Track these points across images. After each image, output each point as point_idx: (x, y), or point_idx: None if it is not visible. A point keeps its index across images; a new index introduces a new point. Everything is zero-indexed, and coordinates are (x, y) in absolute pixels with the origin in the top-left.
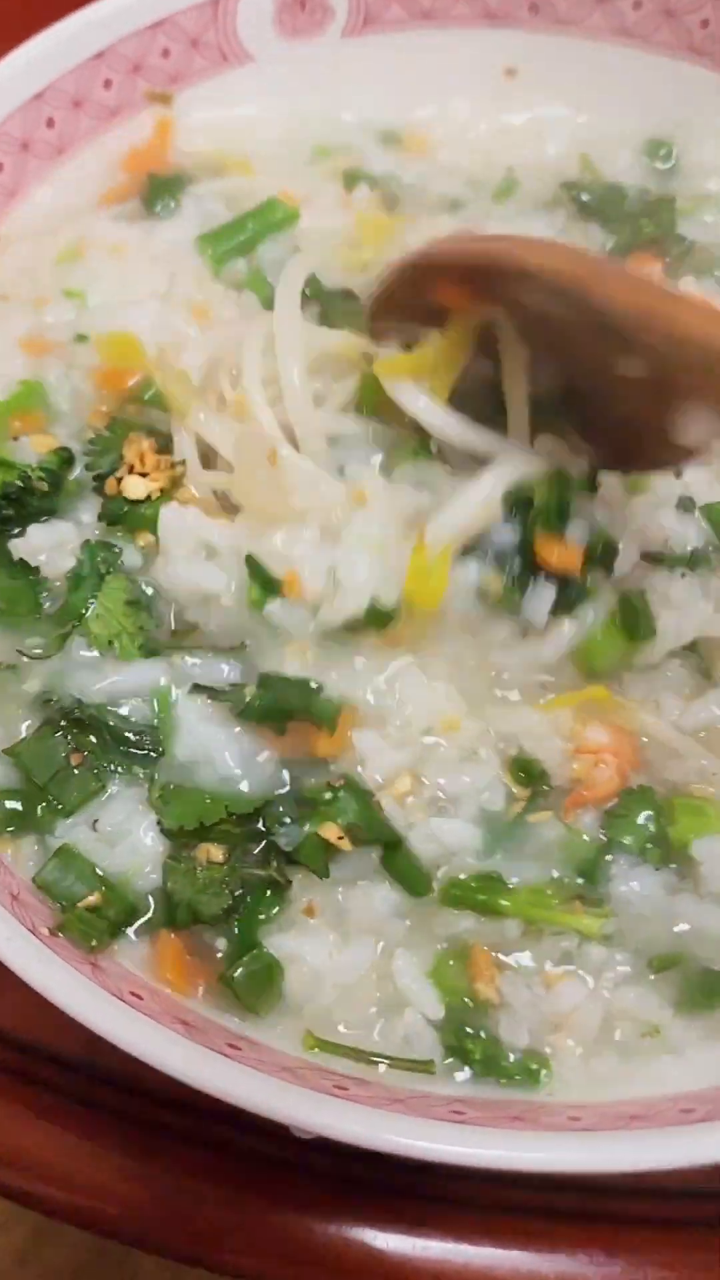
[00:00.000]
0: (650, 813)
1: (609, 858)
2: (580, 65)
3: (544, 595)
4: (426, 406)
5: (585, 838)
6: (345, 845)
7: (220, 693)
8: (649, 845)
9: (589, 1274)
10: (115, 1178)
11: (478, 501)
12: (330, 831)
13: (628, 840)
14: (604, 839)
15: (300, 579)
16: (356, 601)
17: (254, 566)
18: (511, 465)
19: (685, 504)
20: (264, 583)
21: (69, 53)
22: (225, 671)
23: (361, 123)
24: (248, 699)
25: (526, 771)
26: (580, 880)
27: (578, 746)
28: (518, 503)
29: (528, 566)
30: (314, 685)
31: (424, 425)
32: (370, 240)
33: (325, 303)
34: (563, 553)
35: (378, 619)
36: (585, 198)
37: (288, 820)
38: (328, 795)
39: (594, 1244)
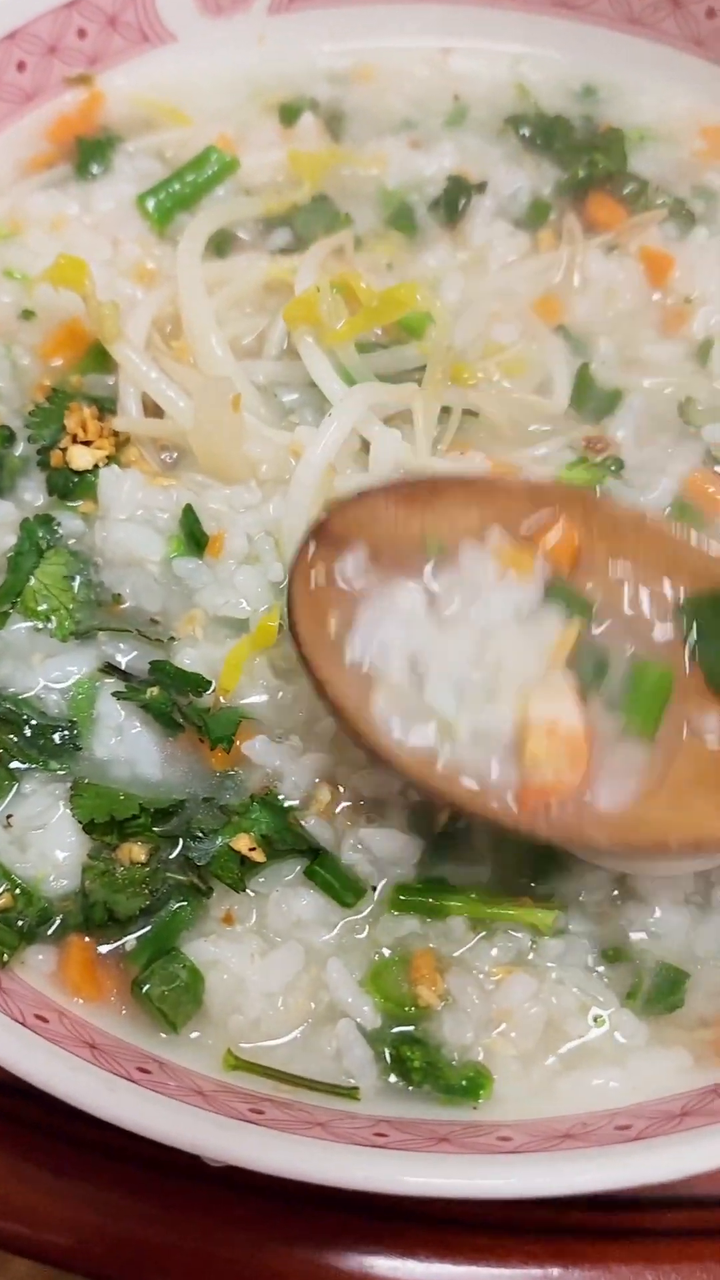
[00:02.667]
0: None
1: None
2: (516, 40)
3: None
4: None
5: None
6: (258, 857)
7: (130, 678)
8: None
9: None
10: (103, 1216)
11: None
12: (242, 843)
13: None
14: None
15: (225, 540)
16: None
17: (189, 516)
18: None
19: None
20: (192, 536)
21: None
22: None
23: (306, 67)
24: (147, 695)
25: None
26: (526, 880)
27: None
28: None
29: None
30: (206, 679)
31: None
32: (308, 175)
33: None
34: None
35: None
36: (527, 131)
37: (200, 834)
38: (242, 806)
39: (557, 1258)
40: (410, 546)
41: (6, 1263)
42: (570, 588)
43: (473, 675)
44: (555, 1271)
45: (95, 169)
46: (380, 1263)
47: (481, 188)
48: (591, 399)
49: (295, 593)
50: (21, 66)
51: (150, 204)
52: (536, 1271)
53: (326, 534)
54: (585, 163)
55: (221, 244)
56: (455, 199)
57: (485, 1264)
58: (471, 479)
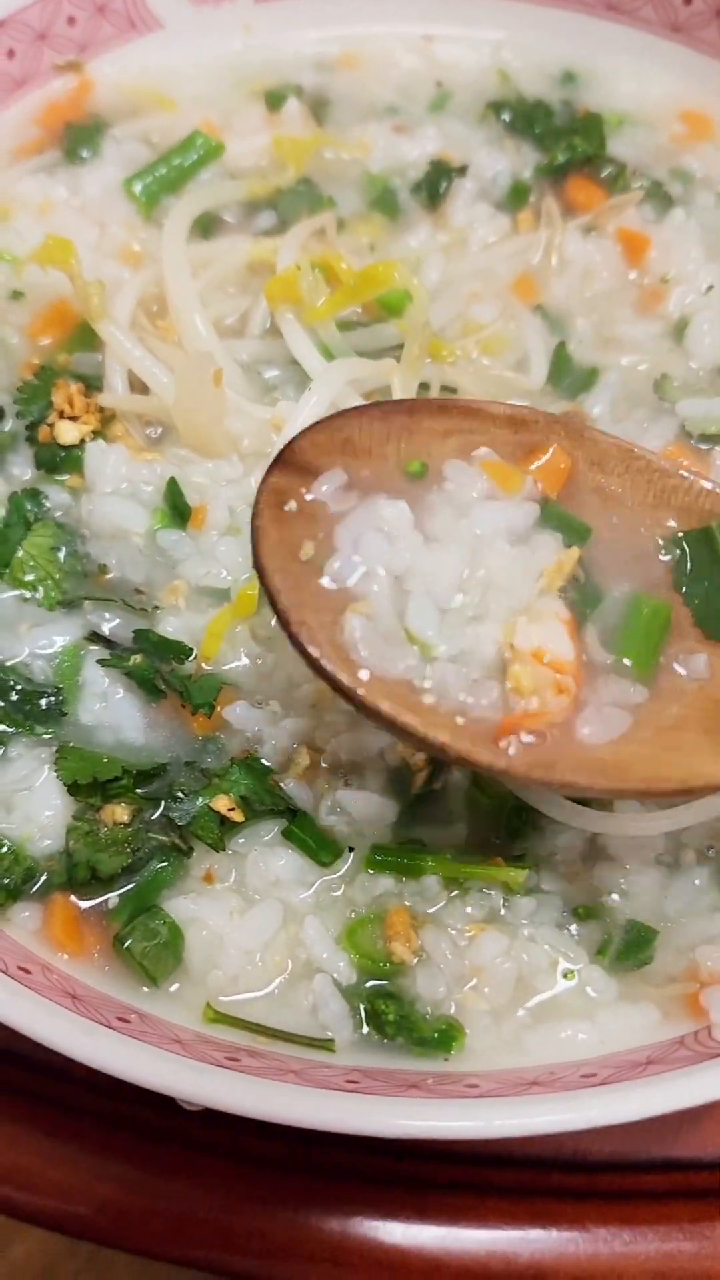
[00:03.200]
0: None
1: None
2: (497, 27)
3: None
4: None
5: (497, 800)
6: (237, 817)
7: (114, 646)
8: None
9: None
10: (89, 1178)
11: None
12: (221, 804)
13: None
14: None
15: (207, 512)
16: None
17: (173, 488)
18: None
19: None
20: (175, 508)
21: None
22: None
23: (292, 54)
24: (130, 662)
25: None
26: (500, 841)
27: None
28: None
29: None
30: (188, 647)
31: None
32: (292, 160)
33: None
34: None
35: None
36: (508, 116)
37: (181, 795)
38: (222, 769)
39: (535, 1219)
40: (389, 469)
41: (8, 1245)
42: (566, 512)
43: (458, 597)
44: (533, 1232)
45: (84, 154)
46: (362, 1224)
47: (463, 171)
48: (568, 376)
49: (261, 512)
50: (11, 54)
51: (137, 188)
52: (515, 1233)
53: (295, 459)
54: (564, 146)
55: (207, 227)
56: (437, 182)
57: (464, 1225)
58: (449, 402)
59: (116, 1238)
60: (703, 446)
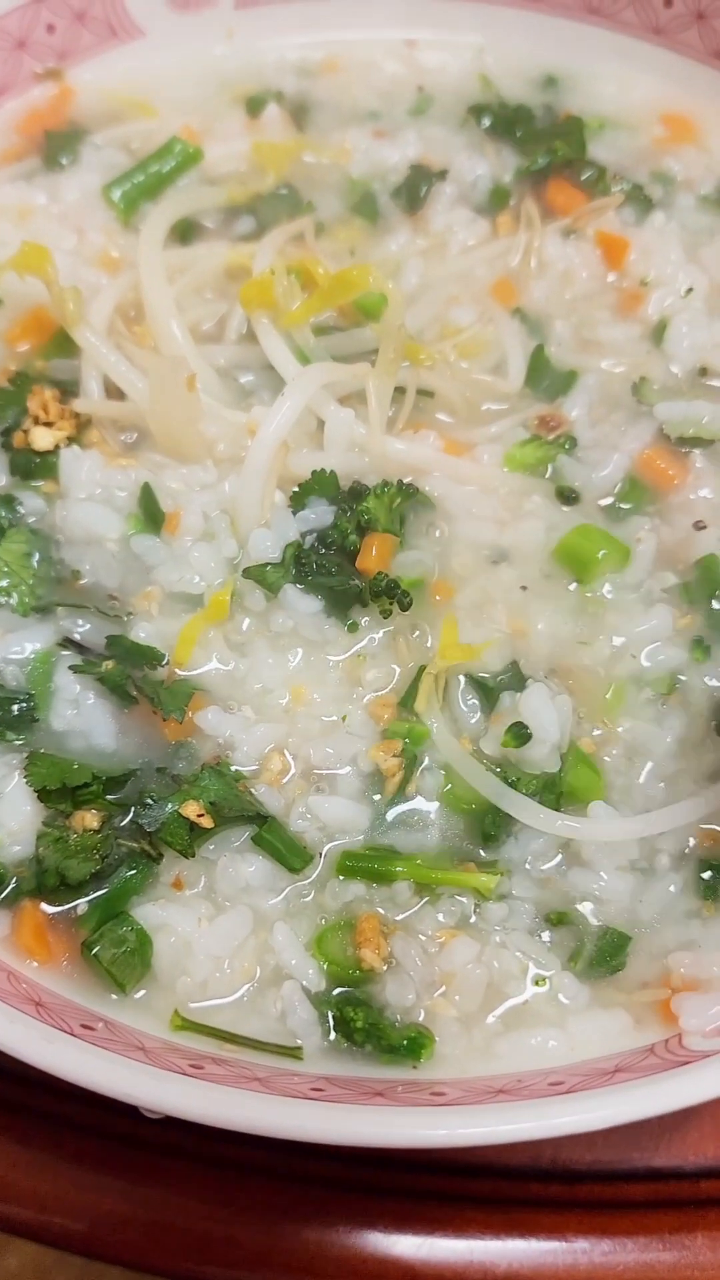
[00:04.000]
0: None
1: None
2: (478, 31)
3: None
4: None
5: (472, 806)
6: (206, 823)
7: (87, 651)
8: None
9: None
10: (67, 1187)
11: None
12: (191, 810)
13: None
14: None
15: (181, 518)
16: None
17: (147, 494)
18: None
19: None
20: (149, 514)
21: None
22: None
23: (273, 60)
24: (103, 668)
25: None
26: (472, 847)
27: None
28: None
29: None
30: (160, 653)
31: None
32: (272, 165)
33: None
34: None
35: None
36: (489, 121)
37: (151, 800)
38: (192, 775)
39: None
40: None
41: (1, 1256)
42: None
43: None
44: (512, 1242)
45: (63, 160)
46: (339, 1233)
47: (443, 175)
48: (546, 379)
49: None
50: None
51: (115, 194)
52: (493, 1242)
53: None
54: (545, 150)
55: (186, 232)
56: (417, 186)
57: (443, 1235)
58: None
59: (95, 1247)
60: (681, 449)
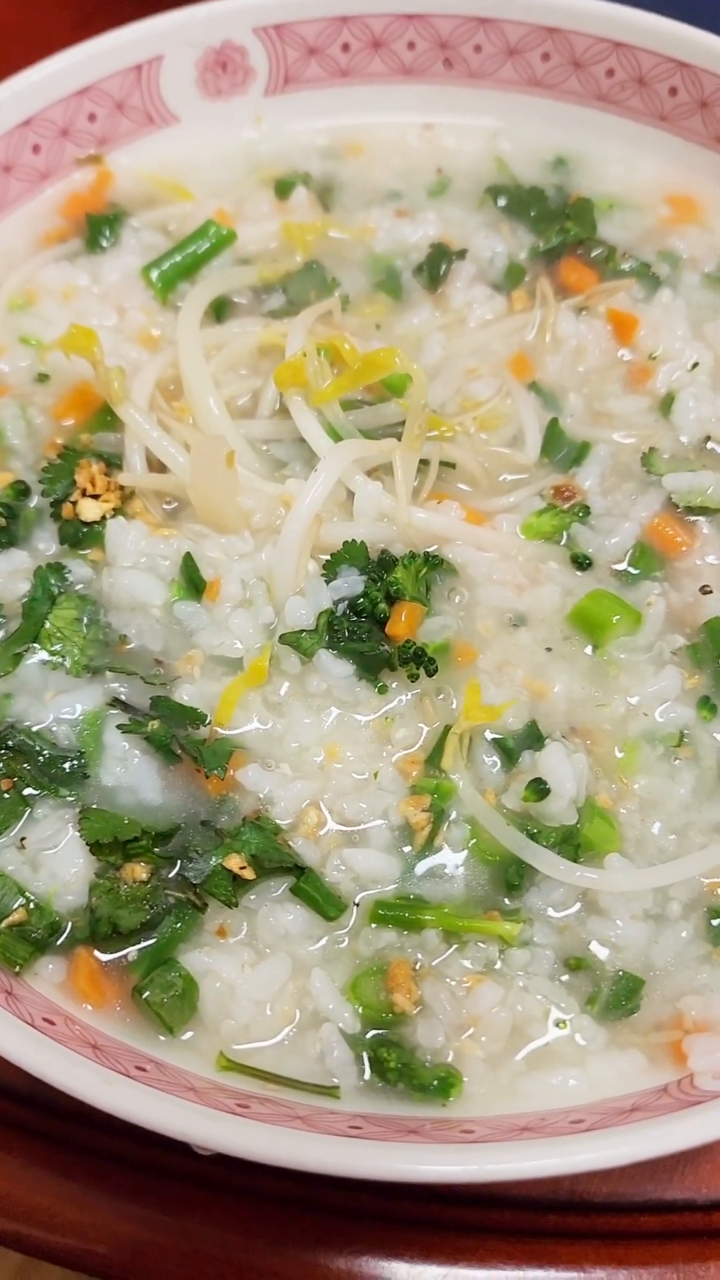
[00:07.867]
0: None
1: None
2: (494, 116)
3: None
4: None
5: (496, 857)
6: (248, 875)
7: (134, 711)
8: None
9: None
10: (108, 1217)
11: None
12: (234, 862)
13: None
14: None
15: (221, 585)
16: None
17: (189, 563)
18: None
19: None
20: (191, 581)
21: None
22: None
23: (300, 143)
24: (149, 728)
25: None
26: (496, 895)
27: None
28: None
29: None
30: (203, 713)
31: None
32: (300, 244)
33: None
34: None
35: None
36: (504, 201)
37: (196, 854)
38: (234, 829)
39: (534, 1259)
40: None
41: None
42: None
43: None
44: (532, 1272)
45: (104, 242)
46: (368, 1263)
47: (462, 254)
48: (561, 450)
49: None
50: (36, 149)
51: (154, 274)
52: (514, 1272)
53: None
54: (558, 230)
55: (220, 309)
56: (438, 264)
57: (466, 1265)
58: None
59: (133, 1275)
60: (689, 518)
